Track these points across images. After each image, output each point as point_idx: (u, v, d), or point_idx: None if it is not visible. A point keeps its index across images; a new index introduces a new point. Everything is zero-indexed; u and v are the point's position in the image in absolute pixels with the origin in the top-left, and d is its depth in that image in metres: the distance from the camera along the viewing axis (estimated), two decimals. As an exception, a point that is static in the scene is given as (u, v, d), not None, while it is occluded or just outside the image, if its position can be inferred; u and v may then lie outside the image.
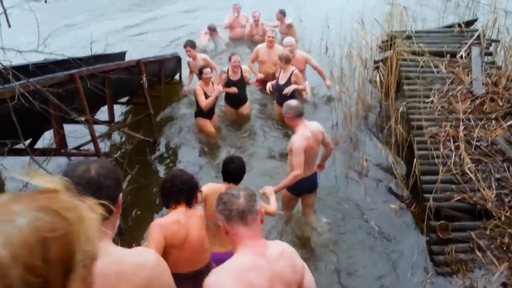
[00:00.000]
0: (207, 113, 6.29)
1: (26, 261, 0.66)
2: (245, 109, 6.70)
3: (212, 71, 6.32)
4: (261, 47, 7.14)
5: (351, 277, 3.82)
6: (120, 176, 1.53)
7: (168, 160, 5.91)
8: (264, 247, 1.83)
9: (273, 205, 3.41)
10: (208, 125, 6.32)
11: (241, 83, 6.52)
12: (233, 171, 3.30)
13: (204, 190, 3.22)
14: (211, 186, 3.35)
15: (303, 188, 4.14)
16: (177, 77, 8.24)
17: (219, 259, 2.76)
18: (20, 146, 4.16)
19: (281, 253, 1.85)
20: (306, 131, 3.91)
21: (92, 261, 0.76)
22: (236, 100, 6.60)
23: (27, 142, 4.45)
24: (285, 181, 3.90)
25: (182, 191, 2.87)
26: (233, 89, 6.44)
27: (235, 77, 6.42)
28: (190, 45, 6.90)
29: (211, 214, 3.05)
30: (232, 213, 1.77)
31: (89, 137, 4.89)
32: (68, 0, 12.78)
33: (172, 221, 2.79)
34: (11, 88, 3.42)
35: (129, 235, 4.07)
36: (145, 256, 1.46)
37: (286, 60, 6.02)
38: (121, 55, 7.65)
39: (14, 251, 0.66)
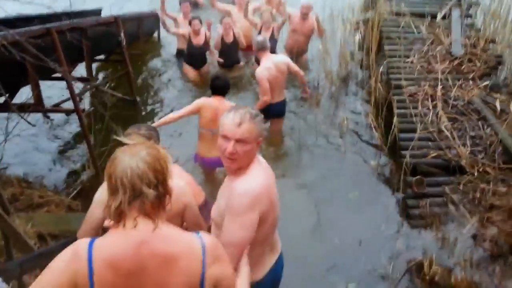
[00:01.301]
0: (194, 61, 6.39)
1: (154, 168, 1.33)
2: (238, 70, 6.66)
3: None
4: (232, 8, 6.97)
5: (326, 230, 3.91)
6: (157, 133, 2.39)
7: (150, 116, 5.86)
8: None
9: None
10: (191, 71, 6.47)
11: (235, 44, 6.42)
12: (219, 86, 3.88)
13: (198, 103, 3.84)
14: (204, 100, 3.91)
15: (272, 112, 4.76)
16: (155, 35, 8.04)
17: (218, 163, 3.32)
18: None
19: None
20: (269, 62, 4.56)
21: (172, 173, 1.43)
22: (229, 60, 6.52)
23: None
24: (256, 105, 4.59)
25: None
26: (218, 59, 6.46)
27: (228, 39, 6.31)
28: (190, 1, 6.88)
29: (206, 123, 3.83)
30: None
31: (66, 97, 4.79)
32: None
33: None
34: None
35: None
36: (179, 185, 2.05)
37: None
38: (97, 12, 7.40)
39: (147, 164, 1.32)
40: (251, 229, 1.77)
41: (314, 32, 6.42)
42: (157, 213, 1.35)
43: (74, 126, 5.57)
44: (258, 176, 1.85)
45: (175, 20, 6.88)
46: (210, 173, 4.24)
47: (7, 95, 4.01)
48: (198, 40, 6.26)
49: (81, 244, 1.32)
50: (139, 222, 1.31)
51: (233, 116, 1.83)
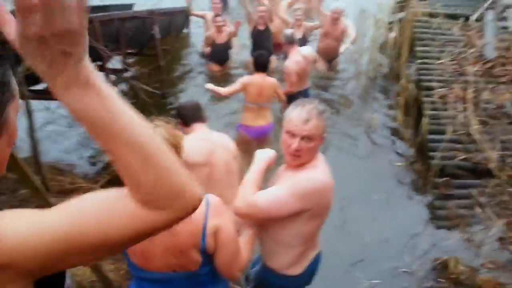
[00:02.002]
0: (218, 58, 6.51)
1: (169, 142, 1.56)
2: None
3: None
4: None
5: (351, 227, 3.91)
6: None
7: (175, 108, 5.96)
8: None
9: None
10: (215, 67, 6.64)
11: (268, 34, 6.38)
12: (262, 62, 4.22)
13: (243, 81, 4.19)
14: (248, 77, 4.27)
15: (297, 99, 4.86)
16: (185, 31, 8.17)
17: (262, 131, 4.27)
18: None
19: None
20: (297, 56, 4.66)
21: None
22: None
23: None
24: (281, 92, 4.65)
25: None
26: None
27: (262, 27, 6.32)
28: None
29: (252, 98, 4.17)
30: None
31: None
32: None
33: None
34: None
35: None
36: (229, 139, 2.79)
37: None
38: (129, 6, 7.56)
39: (165, 139, 1.54)
40: (284, 212, 1.75)
41: (345, 36, 6.38)
42: None
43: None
44: (325, 172, 1.83)
45: (202, 17, 7.03)
46: (249, 143, 4.29)
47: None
48: (221, 37, 6.35)
49: None
50: None
51: (300, 112, 1.76)
